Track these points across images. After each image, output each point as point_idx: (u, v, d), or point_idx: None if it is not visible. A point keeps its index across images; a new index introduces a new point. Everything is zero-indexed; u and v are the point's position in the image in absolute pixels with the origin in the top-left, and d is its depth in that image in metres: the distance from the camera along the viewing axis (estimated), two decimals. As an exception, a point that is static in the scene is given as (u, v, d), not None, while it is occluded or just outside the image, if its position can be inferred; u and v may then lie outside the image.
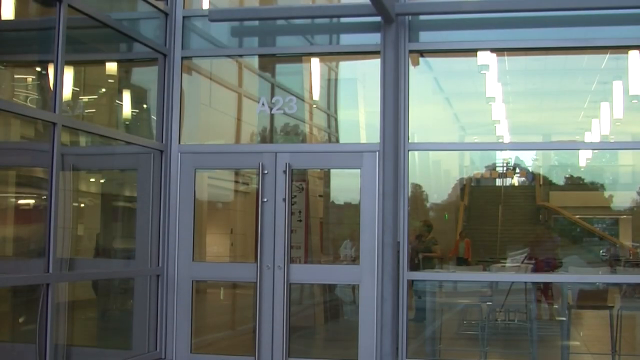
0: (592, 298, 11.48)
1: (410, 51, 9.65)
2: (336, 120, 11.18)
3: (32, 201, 9.19)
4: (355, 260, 10.09)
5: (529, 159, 26.25)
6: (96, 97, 10.39)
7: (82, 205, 10.13)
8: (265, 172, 9.80)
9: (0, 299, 8.57)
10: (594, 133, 14.62)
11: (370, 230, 9.54)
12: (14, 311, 8.77)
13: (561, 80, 13.23)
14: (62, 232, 8.37)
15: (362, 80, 10.85)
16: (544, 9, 9.41)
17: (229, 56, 10.89)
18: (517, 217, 24.33)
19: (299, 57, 10.77)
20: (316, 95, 10.93)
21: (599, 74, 12.08)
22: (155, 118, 10.15)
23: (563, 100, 15.07)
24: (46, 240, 7.89)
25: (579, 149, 18.49)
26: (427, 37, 9.94)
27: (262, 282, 9.67)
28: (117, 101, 10.44)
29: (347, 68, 11.23)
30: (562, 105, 15.62)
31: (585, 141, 14.98)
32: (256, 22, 10.59)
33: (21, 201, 9.20)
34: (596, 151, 20.12)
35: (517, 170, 26.58)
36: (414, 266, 11.42)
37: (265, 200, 9.77)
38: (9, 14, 8.44)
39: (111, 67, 10.29)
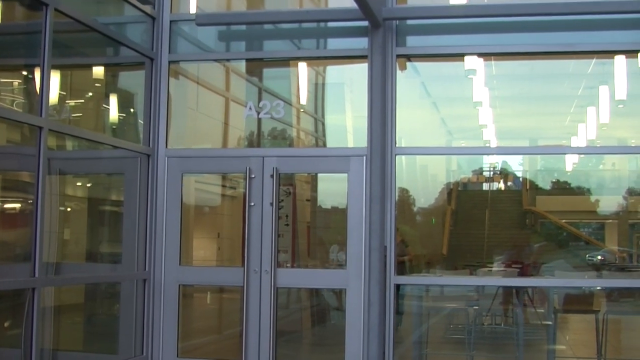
0: (578, 302, 11.51)
1: (398, 56, 9.66)
2: (323, 124, 11.19)
3: (18, 205, 9.16)
4: (342, 264, 10.09)
5: (515, 164, 26.33)
6: (83, 101, 10.37)
7: (69, 209, 10.11)
8: (253, 176, 9.79)
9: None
10: (581, 137, 14.66)
11: (357, 234, 9.54)
12: None
13: (548, 85, 13.27)
14: (49, 236, 8.35)
15: (350, 84, 10.86)
16: (530, 14, 9.45)
17: (216, 60, 10.89)
18: (504, 222, 24.38)
19: (287, 62, 10.76)
20: (303, 100, 10.94)
21: (586, 78, 12.13)
22: (142, 122, 10.13)
23: (550, 105, 15.11)
24: (32, 245, 7.86)
25: (565, 154, 18.56)
26: (414, 42, 9.95)
27: (249, 286, 9.66)
28: (103, 105, 10.42)
29: (335, 72, 11.24)
30: (548, 110, 15.66)
31: (572, 146, 15.02)
32: (243, 27, 10.59)
33: (7, 205, 9.17)
34: (582, 156, 20.18)
35: (504, 174, 26.65)
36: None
37: (252, 204, 9.76)
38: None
39: (98, 71, 10.28)
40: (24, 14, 8.93)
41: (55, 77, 8.57)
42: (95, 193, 10.89)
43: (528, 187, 25.32)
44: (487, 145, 15.24)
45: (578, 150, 16.99)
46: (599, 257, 21.96)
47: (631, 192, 21.49)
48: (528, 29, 9.68)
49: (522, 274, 13.74)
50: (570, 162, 20.62)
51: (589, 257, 22.20)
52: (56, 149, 9.02)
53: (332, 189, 11.56)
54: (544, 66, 11.36)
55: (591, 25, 9.57)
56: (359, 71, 9.77)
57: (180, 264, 10.02)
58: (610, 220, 24.81)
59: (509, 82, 13.07)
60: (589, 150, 15.68)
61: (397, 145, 9.56)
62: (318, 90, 11.19)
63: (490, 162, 25.48)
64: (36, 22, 8.15)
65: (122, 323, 9.93)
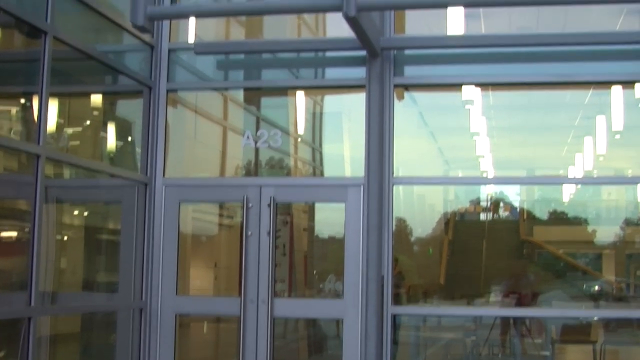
0: (575, 333, 11.49)
1: (395, 85, 9.67)
2: (321, 153, 11.18)
3: (14, 233, 9.12)
4: (339, 294, 10.05)
5: (513, 194, 26.29)
6: (81, 129, 10.36)
7: (65, 237, 10.07)
8: (250, 205, 9.77)
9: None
10: (578, 168, 14.69)
11: (354, 264, 9.50)
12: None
13: (545, 115, 13.31)
14: (45, 265, 8.31)
15: (347, 113, 10.87)
16: (527, 44, 9.48)
17: (214, 89, 10.90)
18: (501, 252, 24.31)
19: (285, 91, 10.78)
20: (301, 129, 10.94)
21: (583, 109, 12.17)
22: (139, 150, 10.12)
23: (547, 135, 15.14)
24: (28, 273, 7.82)
25: (562, 184, 18.54)
26: (412, 72, 9.97)
27: (246, 316, 9.61)
28: (101, 133, 10.41)
29: (332, 102, 11.25)
30: (546, 140, 15.70)
31: (569, 176, 15.04)
32: (242, 55, 10.61)
33: (3, 233, 9.13)
34: (580, 186, 20.19)
35: (501, 204, 26.61)
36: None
37: (249, 233, 9.74)
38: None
39: (96, 99, 10.28)
40: (22, 42, 8.93)
41: (53, 105, 8.57)
42: (92, 221, 10.85)
43: (525, 218, 25.28)
44: (485, 175, 15.28)
45: (575, 181, 17.00)
46: (596, 288, 21.91)
47: (628, 223, 21.46)
48: (525, 60, 9.72)
49: (520, 304, 13.70)
50: (568, 192, 20.63)
51: (586, 287, 22.14)
52: (53, 176, 9.00)
53: (330, 218, 11.54)
54: (541, 97, 11.39)
55: (588, 56, 9.60)
56: (357, 100, 9.78)
57: (177, 294, 9.98)
58: (608, 251, 24.75)
59: (506, 113, 13.12)
60: (586, 181, 15.66)
61: (394, 175, 9.55)
62: (316, 119, 11.20)
63: (487, 192, 25.47)
64: (35, 50, 8.16)
65: (118, 353, 9.86)
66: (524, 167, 18.03)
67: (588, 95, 10.92)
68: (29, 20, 8.03)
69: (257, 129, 10.39)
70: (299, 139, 11.02)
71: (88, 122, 10.39)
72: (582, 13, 9.78)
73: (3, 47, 8.66)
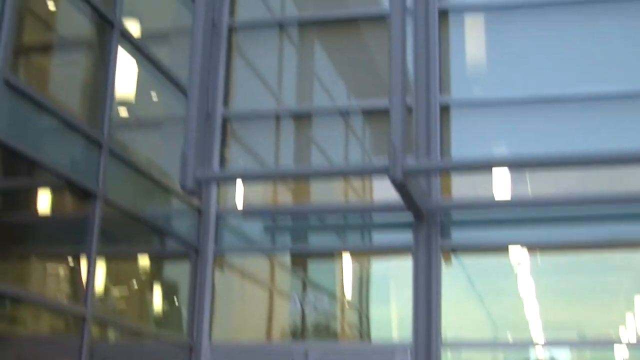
0: None
1: (442, 249, 9.65)
2: (368, 317, 11.08)
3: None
4: None
5: (564, 357, 25.77)
6: (127, 290, 10.38)
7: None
8: (296, 370, 9.65)
9: None
10: (630, 329, 14.38)
11: None
12: None
13: (595, 277, 13.16)
14: None
15: (394, 277, 10.81)
16: (574, 205, 9.46)
17: (261, 252, 10.91)
18: (554, 418, 23.64)
19: (331, 254, 10.78)
20: (348, 292, 10.88)
21: (632, 269, 12.03)
22: (186, 313, 10.10)
23: (597, 297, 14.93)
24: None
25: (614, 345, 18.17)
26: (458, 235, 9.96)
27: None
28: (148, 295, 10.42)
29: (379, 265, 11.21)
30: (596, 302, 15.46)
31: (621, 338, 14.73)
32: (289, 220, 10.68)
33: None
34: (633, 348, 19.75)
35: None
36: None
37: (295, 398, 9.58)
38: (44, 207, 8.58)
39: (143, 261, 10.34)
40: (73, 204, 9.07)
41: (100, 266, 8.63)
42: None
43: (578, 381, 24.68)
44: (535, 338, 15.01)
45: (627, 343, 16.69)
46: None
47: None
48: (573, 222, 9.71)
49: None
50: (620, 354, 20.17)
51: None
52: (99, 338, 8.97)
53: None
54: (590, 258, 11.30)
55: (637, 216, 9.57)
56: (404, 264, 9.76)
57: None
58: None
59: (555, 274, 12.96)
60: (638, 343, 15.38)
61: (442, 339, 9.42)
62: (362, 282, 11.14)
63: (538, 356, 25.00)
64: (85, 212, 8.27)
65: None
66: (575, 329, 17.69)
67: (638, 255, 10.80)
68: (80, 184, 8.17)
69: (304, 292, 10.35)
70: (346, 303, 10.95)
71: (135, 284, 10.42)
72: (629, 172, 9.79)
73: (54, 209, 8.79)
